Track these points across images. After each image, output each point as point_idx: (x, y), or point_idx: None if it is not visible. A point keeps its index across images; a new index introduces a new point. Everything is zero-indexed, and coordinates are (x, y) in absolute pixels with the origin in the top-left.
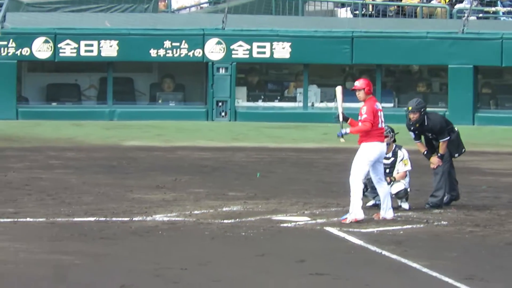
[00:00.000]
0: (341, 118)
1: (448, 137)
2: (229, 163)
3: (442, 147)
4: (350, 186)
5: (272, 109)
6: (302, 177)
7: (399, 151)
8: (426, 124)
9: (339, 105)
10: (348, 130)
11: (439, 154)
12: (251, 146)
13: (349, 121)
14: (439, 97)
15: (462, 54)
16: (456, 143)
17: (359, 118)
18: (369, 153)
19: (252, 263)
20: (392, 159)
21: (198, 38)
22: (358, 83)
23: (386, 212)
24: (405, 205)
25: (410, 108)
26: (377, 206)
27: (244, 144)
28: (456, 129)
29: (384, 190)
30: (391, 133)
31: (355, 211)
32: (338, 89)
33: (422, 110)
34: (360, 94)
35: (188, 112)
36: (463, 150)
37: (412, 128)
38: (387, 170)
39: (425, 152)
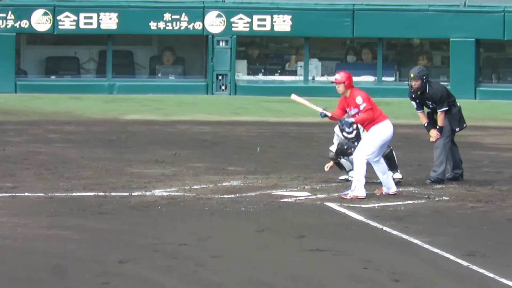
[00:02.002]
0: (328, 113)
1: (447, 108)
2: (229, 137)
3: (440, 117)
4: (353, 162)
5: (272, 83)
6: (302, 151)
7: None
8: (427, 91)
9: (312, 106)
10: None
11: (438, 127)
12: (251, 120)
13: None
14: (441, 71)
15: (464, 27)
16: (458, 117)
17: (359, 109)
18: (382, 132)
19: (252, 239)
20: (355, 131)
21: (198, 10)
22: (339, 76)
23: (388, 187)
24: (397, 175)
25: (412, 75)
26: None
27: (244, 118)
28: (458, 104)
29: (382, 168)
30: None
31: (358, 189)
32: (293, 97)
33: (424, 77)
34: (340, 88)
35: (187, 85)
36: (465, 125)
37: (413, 96)
38: (356, 143)
39: (426, 124)
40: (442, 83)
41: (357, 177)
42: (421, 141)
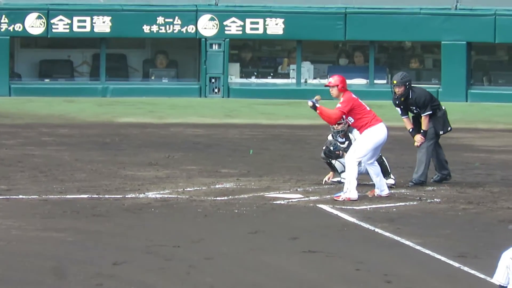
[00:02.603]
0: (314, 99)
1: (430, 112)
2: (222, 140)
3: (424, 122)
4: (345, 164)
5: (265, 86)
6: (295, 154)
7: (350, 134)
8: (410, 97)
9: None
10: (318, 105)
11: (422, 131)
12: (244, 122)
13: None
14: (432, 74)
15: (455, 30)
16: (442, 120)
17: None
18: (374, 136)
19: (245, 241)
20: (347, 142)
21: (191, 14)
22: (333, 80)
23: (381, 190)
24: (390, 181)
25: (395, 82)
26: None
27: (237, 120)
28: (443, 108)
29: (375, 170)
30: (344, 120)
31: (350, 190)
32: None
33: (407, 83)
34: (334, 91)
35: (181, 88)
36: (449, 128)
37: (397, 103)
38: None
39: (411, 130)
40: (434, 86)
41: (349, 179)
42: (413, 144)
